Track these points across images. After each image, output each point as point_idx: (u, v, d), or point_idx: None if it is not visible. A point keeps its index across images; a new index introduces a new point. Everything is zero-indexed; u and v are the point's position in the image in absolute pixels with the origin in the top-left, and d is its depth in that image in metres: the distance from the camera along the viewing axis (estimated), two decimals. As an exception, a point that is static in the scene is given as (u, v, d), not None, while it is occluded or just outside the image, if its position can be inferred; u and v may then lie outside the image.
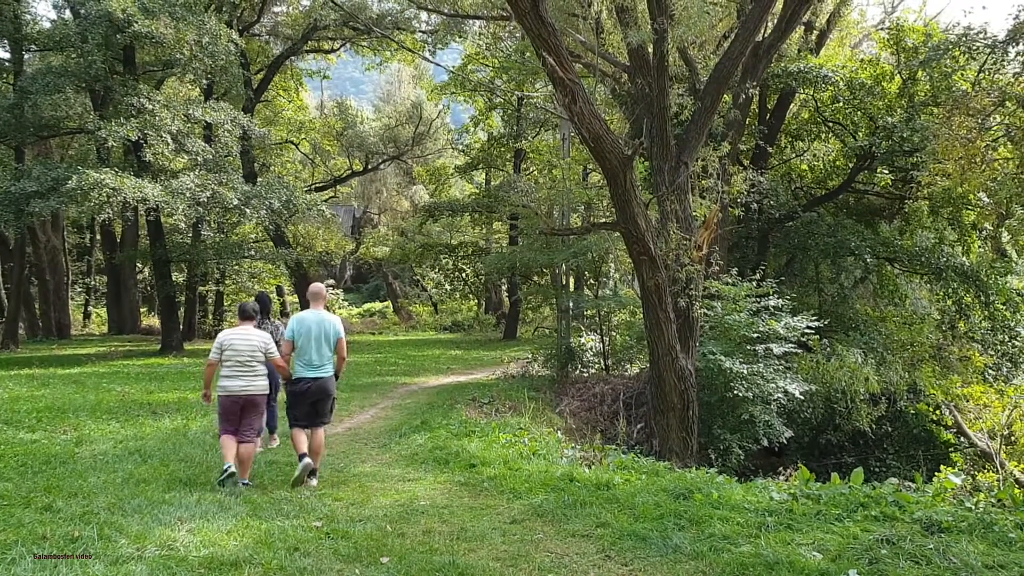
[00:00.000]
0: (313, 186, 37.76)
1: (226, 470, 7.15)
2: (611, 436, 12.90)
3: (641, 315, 12.94)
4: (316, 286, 8.08)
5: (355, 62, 39.25)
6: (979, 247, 20.12)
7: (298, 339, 7.57)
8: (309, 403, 7.61)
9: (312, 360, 7.57)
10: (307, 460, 7.34)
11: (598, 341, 17.95)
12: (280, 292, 37.63)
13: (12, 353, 23.63)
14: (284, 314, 35.56)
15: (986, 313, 18.40)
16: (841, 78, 17.66)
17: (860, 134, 18.87)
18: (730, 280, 14.12)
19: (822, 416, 15.39)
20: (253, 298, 9.47)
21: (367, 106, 50.87)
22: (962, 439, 16.62)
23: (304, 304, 8.46)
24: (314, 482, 7.56)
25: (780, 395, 12.78)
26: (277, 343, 8.08)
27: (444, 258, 39.50)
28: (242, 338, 7.50)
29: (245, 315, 7.83)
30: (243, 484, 7.29)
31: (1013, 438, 16.32)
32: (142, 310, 37.61)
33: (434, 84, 40.22)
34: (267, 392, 7.70)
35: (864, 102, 18.14)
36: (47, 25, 24.69)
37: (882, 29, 21.02)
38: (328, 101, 46.70)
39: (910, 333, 18.15)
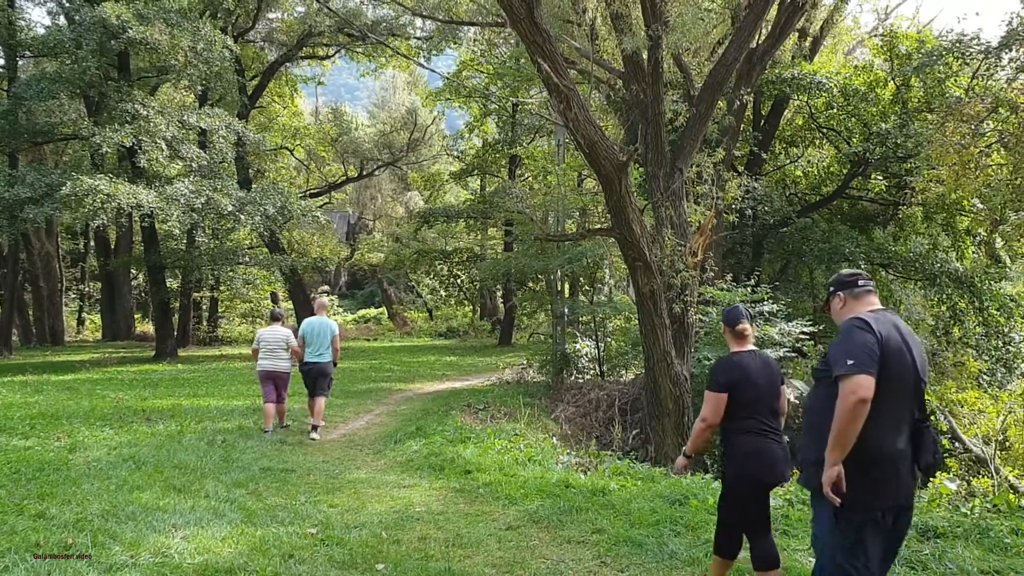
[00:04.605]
0: (308, 192, 37.67)
1: (266, 431, 10.65)
2: (606, 442, 12.88)
3: (636, 321, 12.94)
4: (320, 300, 12.25)
5: (350, 68, 39.25)
6: (973, 253, 20.18)
7: (307, 335, 10.70)
8: (313, 379, 10.70)
9: (314, 349, 10.69)
10: (315, 423, 10.74)
11: (593, 347, 17.94)
12: (275, 299, 37.57)
13: (6, 359, 23.54)
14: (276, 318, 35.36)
15: (980, 319, 18.44)
16: (835, 84, 17.73)
17: (854, 140, 18.94)
18: (725, 286, 14.13)
19: (817, 422, 15.34)
20: (278, 307, 12.50)
21: (362, 112, 50.88)
22: (957, 445, 16.62)
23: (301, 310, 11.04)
24: (315, 436, 10.57)
25: (775, 400, 12.76)
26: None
27: (439, 264, 39.51)
28: (272, 333, 10.96)
29: (275, 318, 11.33)
30: (283, 427, 11.04)
31: (1008, 443, 16.34)
32: (136, 316, 37.49)
33: (429, 90, 40.32)
34: (289, 370, 10.97)
35: (858, 108, 18.22)
36: (41, 31, 24.65)
37: (876, 36, 21.12)
38: (323, 107, 46.70)
39: (904, 339, 18.17)
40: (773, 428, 4.56)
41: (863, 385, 3.33)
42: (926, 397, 3.64)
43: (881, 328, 3.52)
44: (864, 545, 3.48)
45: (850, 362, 3.39)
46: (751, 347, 4.73)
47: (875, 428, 3.39)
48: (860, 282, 3.85)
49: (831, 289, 4.00)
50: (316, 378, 10.72)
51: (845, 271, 4.01)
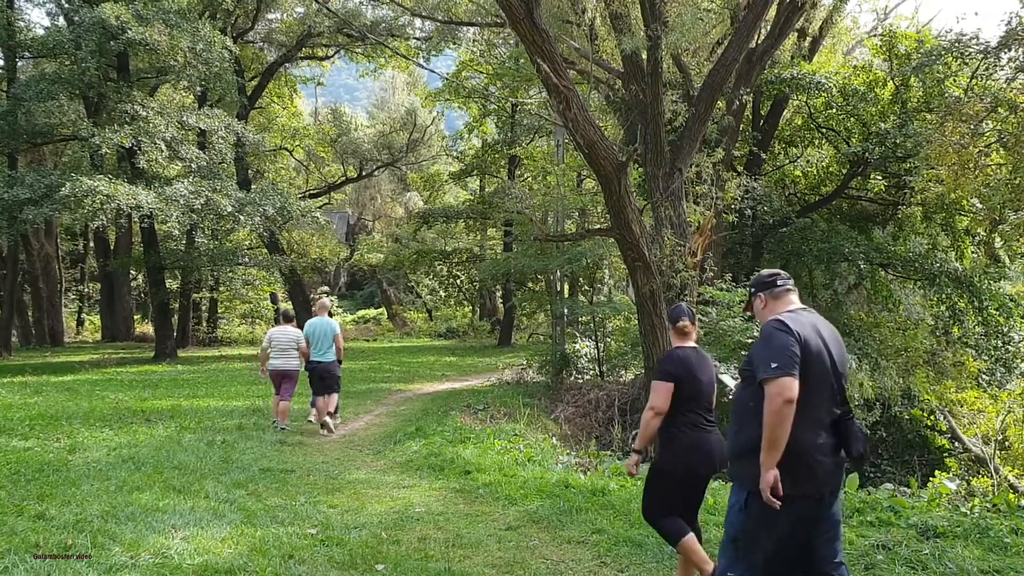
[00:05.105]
0: (307, 193, 37.67)
1: (277, 422, 11.17)
2: (606, 442, 12.88)
3: (636, 321, 12.94)
4: (322, 301, 12.27)
5: (349, 69, 39.26)
6: (972, 253, 20.17)
7: (310, 336, 11.14)
8: (319, 378, 11.07)
9: (317, 349, 11.09)
10: (324, 419, 11.08)
11: (593, 347, 17.93)
12: (274, 299, 37.57)
13: (5, 361, 23.54)
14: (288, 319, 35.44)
15: (979, 318, 18.43)
16: (834, 84, 17.72)
17: (853, 140, 18.92)
18: (724, 286, 14.13)
19: (817, 422, 15.34)
20: (288, 307, 12.82)
21: (361, 113, 50.86)
22: (956, 444, 16.65)
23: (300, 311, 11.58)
24: (334, 421, 11.29)
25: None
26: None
27: (438, 264, 39.47)
28: (282, 333, 11.32)
29: (286, 318, 11.85)
30: (283, 428, 11.05)
31: (1007, 443, 16.35)
32: (136, 317, 37.47)
33: (428, 91, 40.31)
34: (298, 369, 11.28)
35: (857, 108, 18.20)
36: (41, 32, 24.64)
37: (875, 36, 21.12)
38: (322, 108, 46.65)
39: (904, 339, 18.18)
40: (710, 421, 4.82)
41: (788, 387, 3.45)
42: (847, 392, 3.77)
43: (800, 328, 3.62)
44: (777, 527, 3.60)
45: (774, 365, 3.50)
46: (692, 344, 4.98)
47: (795, 423, 3.49)
48: (779, 282, 3.95)
49: (751, 290, 4.10)
50: (323, 377, 11.10)
51: (765, 271, 4.11)
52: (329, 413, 11.28)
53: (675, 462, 4.78)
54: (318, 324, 11.24)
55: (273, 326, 13.02)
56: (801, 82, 17.43)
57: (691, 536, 4.74)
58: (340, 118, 40.40)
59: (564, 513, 6.73)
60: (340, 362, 11.49)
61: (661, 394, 4.72)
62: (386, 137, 40.56)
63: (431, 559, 5.56)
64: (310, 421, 11.50)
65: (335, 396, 11.39)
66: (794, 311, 3.80)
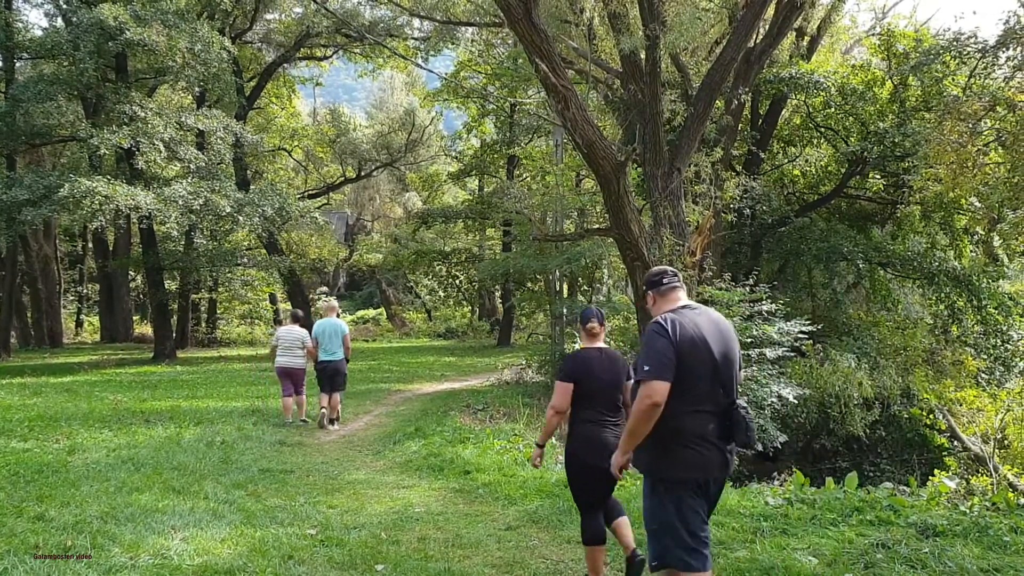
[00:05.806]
0: (306, 193, 37.66)
1: (287, 421, 11.73)
2: (606, 442, 12.86)
3: (635, 321, 12.93)
4: (330, 302, 12.89)
5: (348, 69, 39.27)
6: (971, 251, 20.17)
7: (320, 337, 11.59)
8: (329, 376, 11.62)
9: (327, 349, 11.56)
10: (324, 411, 11.62)
11: (592, 347, 17.91)
12: (273, 300, 37.55)
13: (4, 362, 23.51)
14: (277, 322, 35.53)
15: (978, 317, 18.43)
16: (832, 84, 17.71)
17: (852, 139, 18.92)
18: (723, 285, 14.12)
19: (816, 421, 15.37)
20: (295, 310, 13.64)
21: (360, 113, 50.84)
22: (956, 443, 16.63)
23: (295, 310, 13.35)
24: (335, 426, 11.71)
25: (774, 400, 12.76)
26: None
27: (438, 265, 39.46)
28: (288, 332, 11.95)
29: (295, 319, 12.42)
30: (301, 422, 11.73)
31: (1006, 442, 16.34)
32: (135, 318, 37.44)
33: (427, 91, 40.28)
34: (304, 367, 11.87)
35: (856, 107, 18.20)
36: (39, 33, 24.62)
37: (873, 35, 21.11)
38: (321, 108, 46.61)
39: (903, 338, 18.18)
40: (610, 419, 5.01)
41: (656, 391, 3.69)
42: (735, 382, 3.98)
43: (677, 329, 3.83)
44: (680, 510, 3.87)
45: (647, 368, 3.75)
46: (600, 345, 5.18)
47: (680, 413, 3.77)
48: (664, 280, 4.18)
49: (643, 288, 4.37)
50: (332, 376, 11.67)
51: (654, 270, 4.32)
52: (332, 419, 11.76)
53: (572, 454, 5.02)
54: (327, 325, 11.72)
55: (280, 325, 13.54)
56: (799, 81, 17.42)
57: (600, 549, 5.10)
58: (339, 118, 40.38)
59: (564, 513, 6.73)
60: (348, 360, 12.01)
61: (560, 394, 4.98)
62: (385, 137, 40.55)
63: (431, 559, 5.56)
64: (324, 417, 11.78)
65: (338, 396, 11.91)
66: (676, 310, 4.01)
